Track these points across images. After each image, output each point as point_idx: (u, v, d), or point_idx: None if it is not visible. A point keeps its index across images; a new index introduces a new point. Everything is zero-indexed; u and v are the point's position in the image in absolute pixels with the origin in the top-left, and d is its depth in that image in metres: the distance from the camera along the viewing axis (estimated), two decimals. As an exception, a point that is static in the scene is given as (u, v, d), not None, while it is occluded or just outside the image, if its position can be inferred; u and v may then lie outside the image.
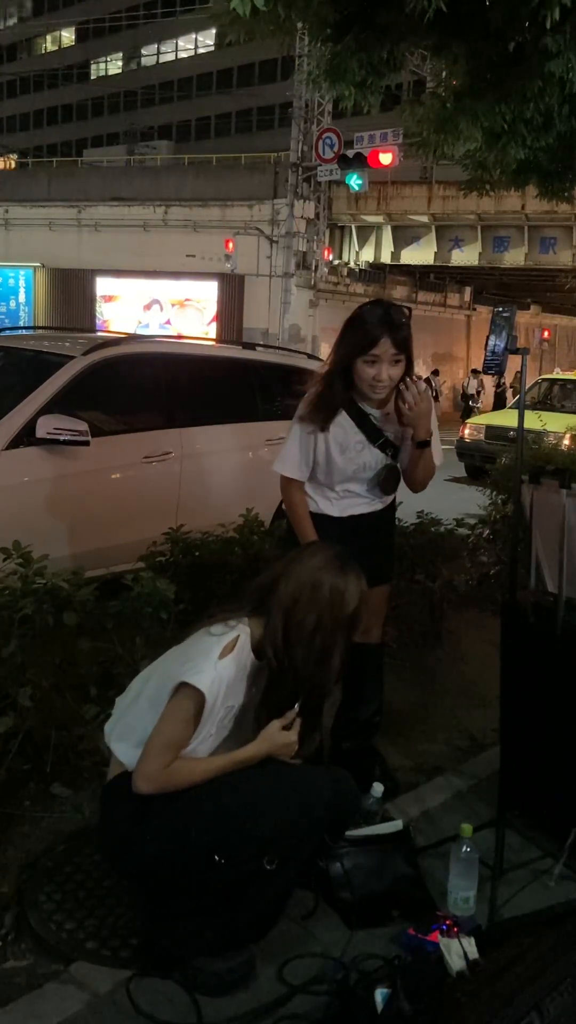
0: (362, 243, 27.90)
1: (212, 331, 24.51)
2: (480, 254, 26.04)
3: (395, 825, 2.67)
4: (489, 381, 24.86)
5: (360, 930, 2.39)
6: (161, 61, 50.23)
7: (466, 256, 26.36)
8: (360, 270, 28.39)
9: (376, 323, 2.73)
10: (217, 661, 2.14)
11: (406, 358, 2.80)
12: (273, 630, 2.20)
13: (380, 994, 2.06)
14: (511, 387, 25.80)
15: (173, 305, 25.51)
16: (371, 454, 2.95)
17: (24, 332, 9.71)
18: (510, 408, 17.50)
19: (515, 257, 25.62)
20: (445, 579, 4.82)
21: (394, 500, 3.20)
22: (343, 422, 2.91)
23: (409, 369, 2.84)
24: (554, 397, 14.15)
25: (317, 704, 2.36)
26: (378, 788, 2.74)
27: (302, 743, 2.29)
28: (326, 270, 25.84)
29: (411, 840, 2.67)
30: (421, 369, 28.10)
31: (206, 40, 46.17)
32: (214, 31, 40.76)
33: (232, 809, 2.14)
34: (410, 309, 2.92)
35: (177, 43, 48.99)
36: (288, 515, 3.09)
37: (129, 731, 2.23)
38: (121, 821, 2.19)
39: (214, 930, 2.19)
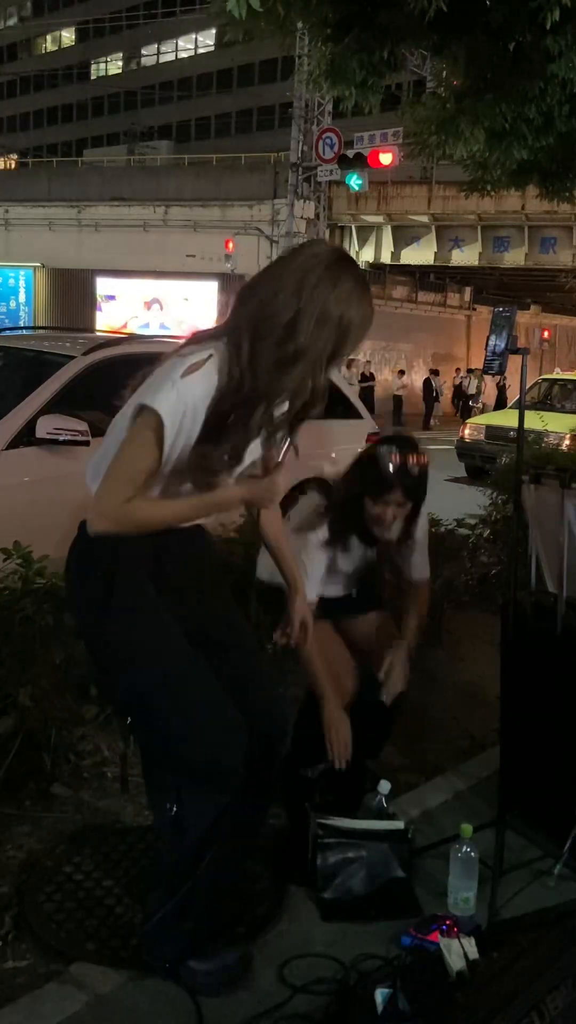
0: (362, 243, 27.91)
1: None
2: (480, 254, 26.06)
3: (395, 824, 2.67)
4: (489, 379, 24.95)
5: (333, 923, 2.40)
6: (161, 61, 50.26)
7: (466, 256, 26.38)
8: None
9: (389, 469, 2.75)
10: (179, 380, 1.87)
11: (415, 501, 2.81)
12: (242, 333, 1.89)
13: (380, 994, 2.06)
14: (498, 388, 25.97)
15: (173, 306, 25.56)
16: (358, 553, 2.95)
17: (24, 332, 9.70)
18: (510, 408, 17.50)
19: (515, 257, 25.64)
20: (445, 579, 4.82)
21: None
22: (353, 543, 2.92)
23: (415, 515, 2.85)
24: (554, 397, 14.16)
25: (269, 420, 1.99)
26: (385, 785, 2.74)
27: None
28: (326, 270, 25.82)
29: (408, 842, 2.67)
30: (421, 369, 28.16)
31: (206, 40, 46.18)
32: (214, 31, 40.78)
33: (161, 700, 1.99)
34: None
35: (177, 43, 49.03)
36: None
37: (99, 461, 2.05)
38: (86, 588, 2.06)
39: (208, 930, 2.18)
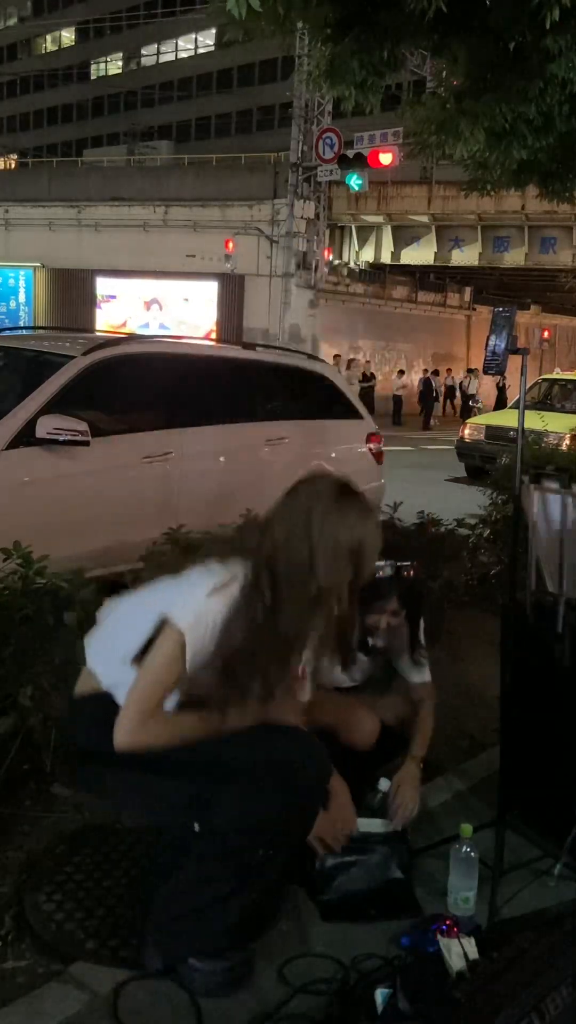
0: (362, 243, 27.92)
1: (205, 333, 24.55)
2: (480, 254, 26.07)
3: (393, 826, 2.67)
4: (488, 379, 24.97)
5: (334, 923, 2.40)
6: (161, 61, 50.23)
7: (466, 256, 26.39)
8: (360, 270, 28.41)
9: (385, 581, 2.76)
10: (205, 598, 1.98)
11: (411, 610, 2.83)
12: (263, 571, 2.01)
13: (380, 994, 2.06)
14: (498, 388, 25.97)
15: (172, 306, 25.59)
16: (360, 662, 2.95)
17: (24, 332, 9.71)
18: (510, 408, 17.50)
19: (515, 257, 25.65)
20: (445, 579, 4.81)
21: None
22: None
23: (414, 631, 2.88)
24: (554, 397, 14.16)
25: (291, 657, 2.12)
26: (385, 783, 2.74)
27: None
28: (326, 270, 25.86)
29: (407, 843, 2.67)
30: (420, 370, 28.15)
31: (206, 40, 46.17)
32: (214, 31, 40.84)
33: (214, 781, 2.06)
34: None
35: (177, 43, 49.00)
36: None
37: (107, 646, 2.15)
38: (94, 762, 2.13)
39: (211, 928, 2.18)
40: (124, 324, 25.20)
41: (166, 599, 2.04)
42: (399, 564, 2.80)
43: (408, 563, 2.83)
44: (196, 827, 2.14)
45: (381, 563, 2.78)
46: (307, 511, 2.02)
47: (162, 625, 2.00)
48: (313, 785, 2.21)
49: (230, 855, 2.12)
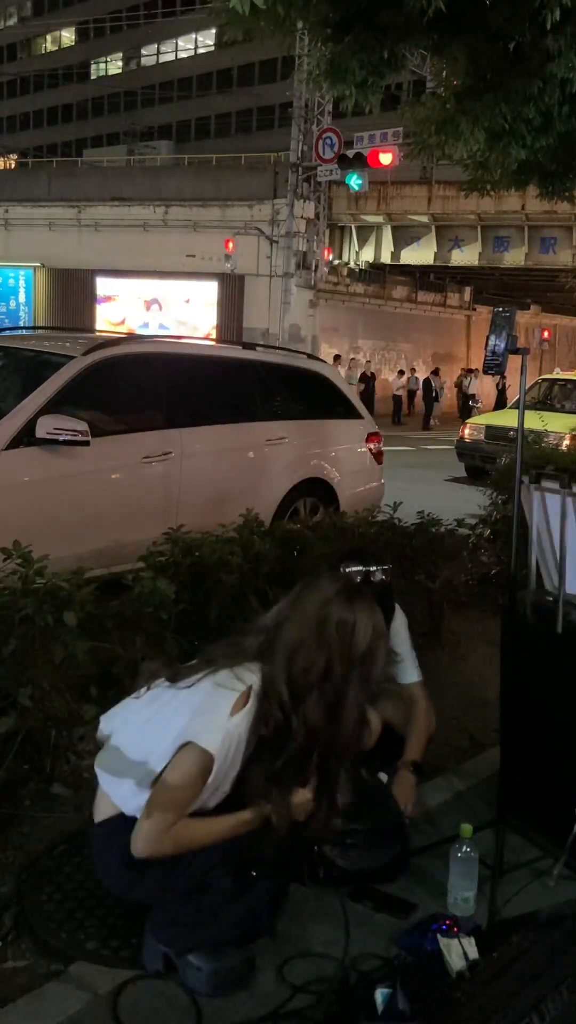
0: (362, 243, 27.91)
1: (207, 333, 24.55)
2: (480, 254, 26.05)
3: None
4: (488, 379, 24.94)
5: (334, 923, 2.39)
6: (161, 61, 50.23)
7: (466, 256, 26.37)
8: (360, 270, 28.40)
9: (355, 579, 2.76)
10: (228, 718, 1.99)
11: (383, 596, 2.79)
12: (278, 679, 2.02)
13: (380, 994, 2.06)
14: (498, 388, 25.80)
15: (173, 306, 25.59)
16: None
17: (24, 332, 9.71)
18: (510, 408, 17.50)
19: (515, 257, 25.63)
20: (445, 579, 4.81)
21: None
22: None
23: (390, 603, 2.87)
24: (554, 397, 14.16)
25: (329, 765, 2.13)
26: (383, 778, 2.75)
27: (318, 807, 2.16)
28: (326, 270, 25.85)
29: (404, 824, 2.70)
30: (421, 370, 28.14)
31: (206, 40, 46.18)
32: (214, 31, 40.83)
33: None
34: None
35: (177, 43, 49.01)
36: None
37: (122, 771, 2.13)
38: (119, 872, 2.13)
39: (213, 930, 2.18)
40: (123, 324, 25.20)
41: (181, 720, 2.02)
42: (370, 569, 2.80)
43: (381, 567, 2.82)
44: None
45: (353, 568, 2.79)
46: (319, 618, 2.04)
47: (186, 746, 1.99)
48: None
49: (230, 856, 2.13)
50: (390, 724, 2.86)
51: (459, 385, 27.77)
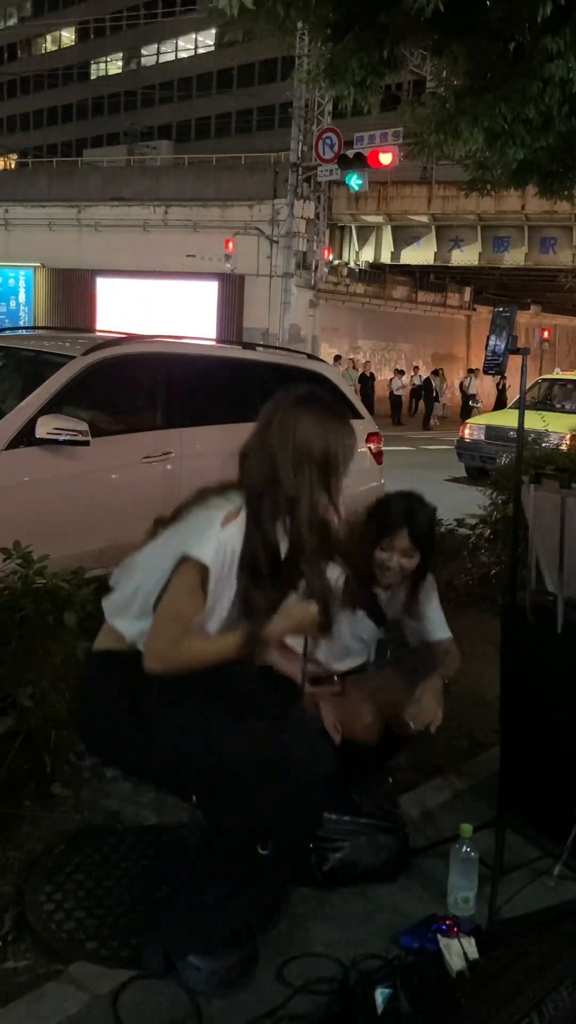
0: (362, 243, 27.92)
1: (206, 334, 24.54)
2: (480, 254, 26.06)
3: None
4: (488, 379, 24.93)
5: (334, 923, 2.40)
6: (161, 61, 50.20)
7: (466, 256, 26.38)
8: (360, 270, 28.41)
9: (397, 513, 2.75)
10: (220, 530, 2.01)
11: (423, 554, 2.81)
12: (252, 492, 2.05)
13: (380, 994, 2.06)
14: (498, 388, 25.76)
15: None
16: (367, 627, 2.94)
17: (24, 332, 9.71)
18: (510, 408, 17.50)
19: (515, 257, 25.64)
20: (445, 579, 4.81)
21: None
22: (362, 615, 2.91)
23: (425, 566, 2.85)
24: (554, 397, 14.15)
25: (301, 567, 2.11)
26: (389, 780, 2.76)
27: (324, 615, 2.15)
28: (326, 270, 25.86)
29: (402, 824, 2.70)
30: (422, 369, 28.15)
31: (206, 40, 46.16)
32: (214, 31, 40.86)
33: (226, 767, 2.07)
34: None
35: (177, 43, 48.98)
36: None
37: (126, 601, 2.15)
38: (108, 711, 2.14)
39: (213, 927, 2.18)
40: (123, 324, 25.19)
41: (178, 541, 2.04)
42: (410, 493, 2.76)
43: (425, 505, 2.79)
44: (199, 815, 2.14)
45: (398, 498, 2.77)
46: (266, 423, 2.06)
47: (181, 562, 2.00)
48: (316, 781, 2.21)
49: (231, 854, 2.12)
50: (390, 724, 2.86)
51: (460, 385, 27.79)
